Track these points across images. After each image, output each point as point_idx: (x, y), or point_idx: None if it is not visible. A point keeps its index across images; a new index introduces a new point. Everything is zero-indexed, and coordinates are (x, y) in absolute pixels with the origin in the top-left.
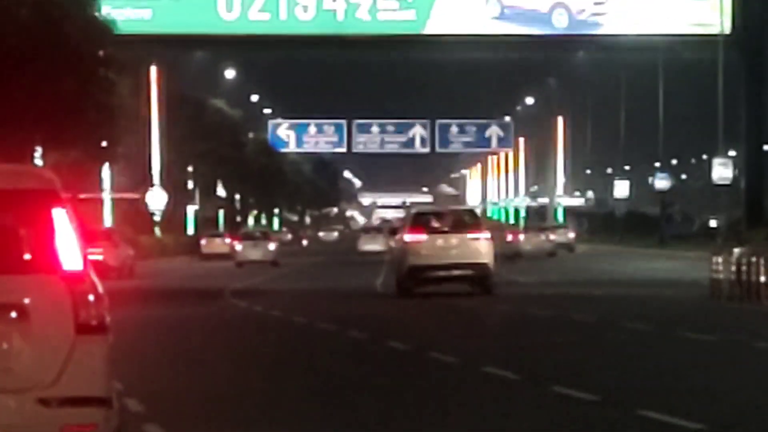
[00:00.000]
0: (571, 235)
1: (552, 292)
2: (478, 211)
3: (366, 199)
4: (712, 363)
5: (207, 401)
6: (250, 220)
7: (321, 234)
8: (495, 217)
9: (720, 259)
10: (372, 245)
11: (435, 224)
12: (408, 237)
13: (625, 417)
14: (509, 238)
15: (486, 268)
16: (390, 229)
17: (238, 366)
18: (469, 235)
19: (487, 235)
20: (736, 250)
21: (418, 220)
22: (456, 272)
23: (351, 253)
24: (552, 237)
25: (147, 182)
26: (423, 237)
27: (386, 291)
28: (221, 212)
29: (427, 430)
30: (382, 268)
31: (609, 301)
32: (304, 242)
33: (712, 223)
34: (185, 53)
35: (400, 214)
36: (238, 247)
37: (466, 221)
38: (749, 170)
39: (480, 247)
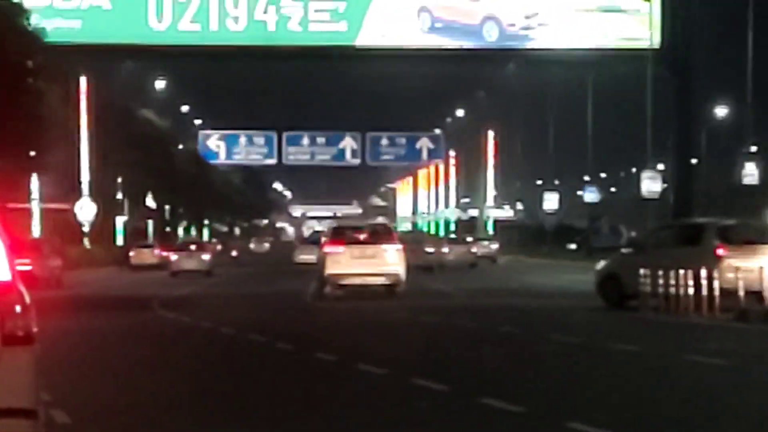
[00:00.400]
0: (494, 246)
1: (477, 303)
2: (409, 223)
3: (296, 211)
4: (637, 374)
5: (133, 412)
6: (180, 231)
7: (252, 245)
8: (425, 229)
9: (644, 272)
10: (307, 256)
11: (352, 236)
12: (327, 248)
13: (552, 429)
14: (430, 249)
15: (397, 276)
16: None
17: (164, 377)
18: (382, 246)
19: (399, 246)
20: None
21: (337, 233)
22: (370, 280)
23: (283, 264)
24: (474, 249)
25: (76, 192)
26: (340, 248)
27: (315, 301)
28: (151, 223)
29: None
30: (313, 278)
31: (532, 312)
32: (234, 253)
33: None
34: (115, 63)
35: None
36: (174, 257)
37: (380, 234)
38: (677, 184)
39: (392, 257)
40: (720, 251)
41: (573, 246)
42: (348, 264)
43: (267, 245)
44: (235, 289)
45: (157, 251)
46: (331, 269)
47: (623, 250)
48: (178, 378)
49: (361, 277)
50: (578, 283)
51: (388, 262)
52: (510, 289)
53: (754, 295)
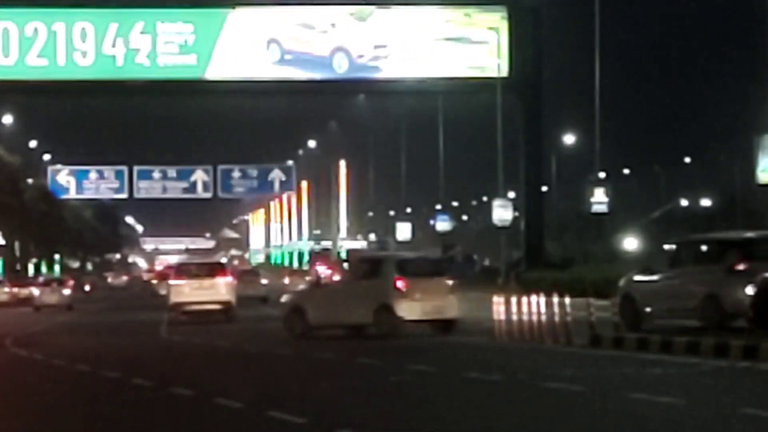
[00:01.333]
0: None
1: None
2: (262, 255)
3: (149, 245)
4: (499, 403)
5: None
6: (31, 268)
7: (110, 279)
8: (278, 261)
9: (501, 299)
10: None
11: (192, 272)
12: (171, 282)
13: None
14: (265, 281)
15: (229, 303)
16: None
17: (15, 416)
18: (217, 280)
19: (229, 279)
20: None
21: (180, 269)
22: (207, 306)
23: (142, 297)
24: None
25: None
26: (183, 282)
27: (170, 335)
28: (0, 260)
29: None
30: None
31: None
32: (87, 288)
33: (488, 264)
34: None
35: (183, 259)
36: (36, 292)
37: (216, 269)
38: (528, 212)
39: (224, 288)
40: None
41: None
42: (189, 294)
43: (125, 278)
44: (93, 320)
45: (7, 288)
46: (175, 299)
47: None
48: (30, 417)
49: (200, 304)
50: None
51: (221, 292)
52: None
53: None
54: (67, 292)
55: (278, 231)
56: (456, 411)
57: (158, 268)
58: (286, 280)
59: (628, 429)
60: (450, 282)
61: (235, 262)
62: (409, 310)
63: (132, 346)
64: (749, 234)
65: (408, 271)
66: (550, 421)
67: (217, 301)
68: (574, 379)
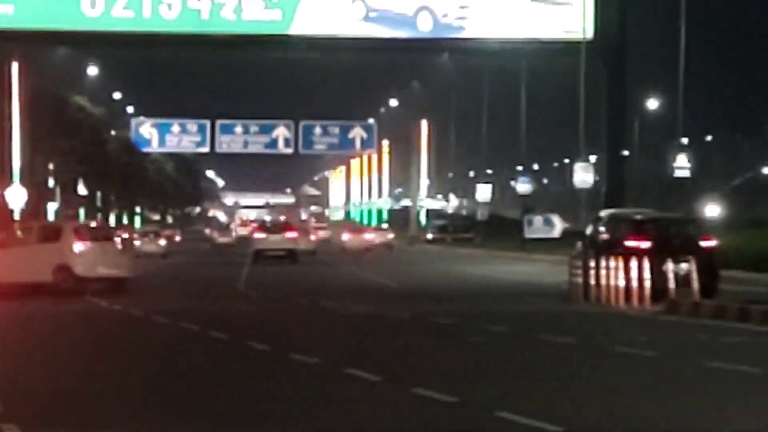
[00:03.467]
0: (390, 236)
1: (402, 291)
2: (342, 211)
3: (229, 199)
4: (571, 366)
5: (66, 400)
6: (112, 219)
7: (215, 235)
8: (357, 218)
9: (579, 263)
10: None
11: (269, 228)
12: (255, 234)
13: (484, 419)
14: (313, 237)
15: (294, 251)
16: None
17: (95, 364)
18: (285, 234)
19: (295, 234)
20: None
21: (261, 225)
22: (279, 252)
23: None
24: (370, 237)
25: (7, 179)
26: (263, 235)
27: (248, 289)
28: (82, 210)
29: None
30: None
31: (464, 300)
32: (177, 238)
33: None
34: (48, 50)
35: (263, 214)
36: (137, 242)
37: (284, 226)
38: (610, 175)
39: (291, 240)
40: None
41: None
42: (266, 242)
43: (234, 235)
44: (179, 272)
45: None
46: (256, 246)
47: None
48: (110, 365)
49: (273, 251)
50: (525, 275)
51: (289, 242)
52: (468, 281)
53: None
54: (162, 242)
55: (358, 189)
56: (522, 372)
57: (237, 222)
58: (345, 236)
59: (703, 395)
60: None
61: (312, 220)
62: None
63: (214, 299)
64: None
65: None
66: (625, 385)
67: (284, 248)
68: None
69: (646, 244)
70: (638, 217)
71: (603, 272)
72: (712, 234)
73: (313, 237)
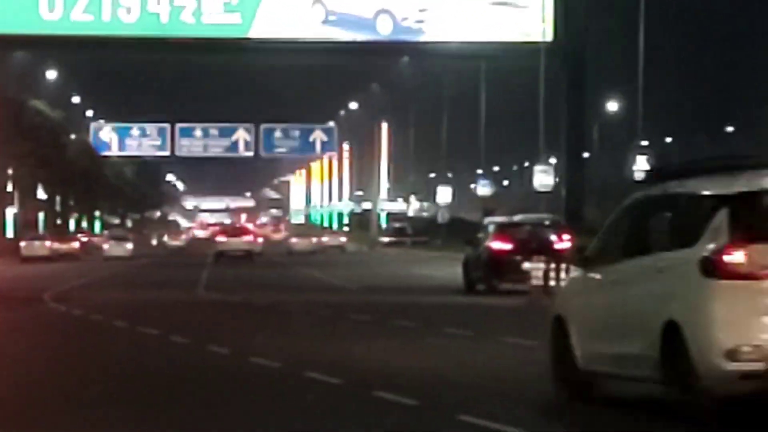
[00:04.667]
0: (342, 239)
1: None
2: (302, 215)
3: (189, 203)
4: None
5: (25, 404)
6: (72, 223)
7: (165, 239)
8: (317, 221)
9: (537, 265)
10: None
11: (230, 232)
12: (217, 237)
13: (445, 422)
14: (260, 239)
15: (251, 252)
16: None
17: (52, 369)
18: (244, 237)
19: (251, 237)
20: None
21: (223, 229)
22: (237, 253)
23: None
24: (323, 239)
25: None
26: (224, 238)
27: (208, 294)
28: (41, 215)
29: None
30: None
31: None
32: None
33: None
34: (6, 53)
35: (224, 217)
36: (105, 245)
37: (245, 231)
38: (569, 177)
39: (248, 243)
40: None
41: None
42: (228, 244)
43: (183, 237)
44: (135, 274)
45: (48, 243)
46: (220, 248)
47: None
48: (68, 370)
49: (233, 252)
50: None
51: (247, 245)
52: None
53: None
54: (129, 246)
55: (318, 192)
56: (477, 373)
57: (196, 225)
58: (293, 240)
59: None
60: None
61: (266, 222)
62: None
63: (173, 305)
64: None
65: None
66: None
67: (243, 249)
68: None
69: (507, 246)
70: (503, 221)
71: (479, 271)
72: (570, 235)
73: (260, 239)
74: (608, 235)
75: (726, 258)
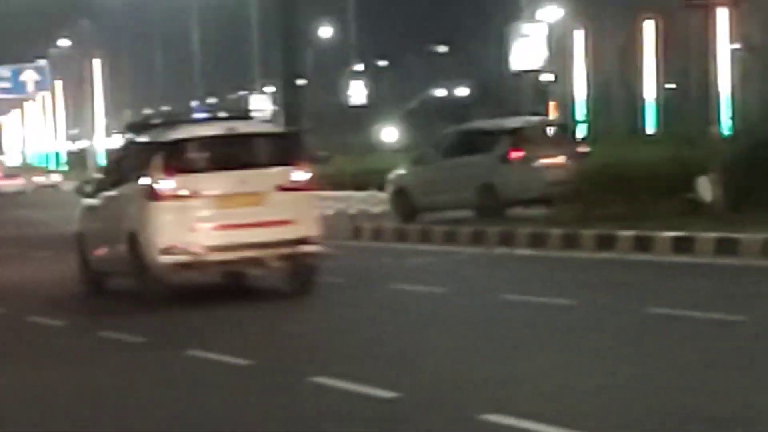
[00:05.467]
0: (57, 177)
1: None
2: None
3: None
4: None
5: None
6: None
7: None
8: (36, 162)
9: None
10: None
11: None
12: None
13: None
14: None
15: None
16: None
17: None
18: None
19: None
20: None
21: None
22: None
23: None
24: (34, 179)
25: None
26: None
27: None
28: None
29: None
30: None
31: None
32: None
33: None
34: None
35: None
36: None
37: None
38: (286, 105)
39: None
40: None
41: None
42: None
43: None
44: None
45: None
46: None
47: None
48: None
49: None
50: None
51: None
52: None
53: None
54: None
55: (35, 133)
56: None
57: None
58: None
59: (389, 317)
60: None
61: None
62: None
63: None
64: (519, 122)
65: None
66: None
67: None
68: (332, 271)
69: None
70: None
71: None
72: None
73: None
74: (103, 172)
75: (157, 186)
